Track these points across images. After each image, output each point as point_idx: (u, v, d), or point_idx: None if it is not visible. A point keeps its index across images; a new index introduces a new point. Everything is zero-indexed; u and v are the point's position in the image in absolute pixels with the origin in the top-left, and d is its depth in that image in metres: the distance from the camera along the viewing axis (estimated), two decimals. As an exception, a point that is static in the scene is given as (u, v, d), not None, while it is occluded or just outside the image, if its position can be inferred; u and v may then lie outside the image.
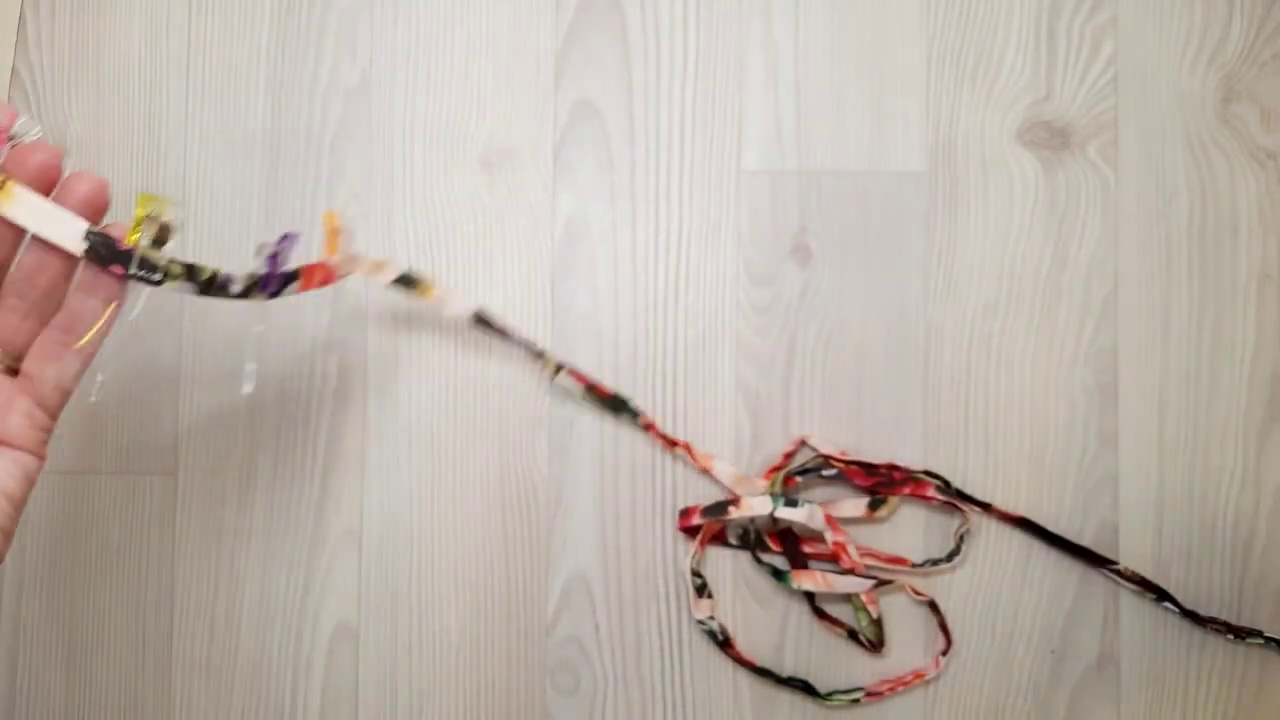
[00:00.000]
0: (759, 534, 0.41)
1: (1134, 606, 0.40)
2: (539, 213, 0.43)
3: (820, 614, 0.40)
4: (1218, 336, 0.41)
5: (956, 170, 0.42)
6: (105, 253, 0.26)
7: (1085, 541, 0.40)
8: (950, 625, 0.40)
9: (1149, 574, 0.40)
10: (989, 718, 0.40)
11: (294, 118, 0.43)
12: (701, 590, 0.41)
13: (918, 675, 0.40)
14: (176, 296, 0.44)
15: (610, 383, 0.42)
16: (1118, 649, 0.40)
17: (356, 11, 0.43)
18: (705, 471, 0.41)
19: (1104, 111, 0.42)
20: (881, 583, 0.40)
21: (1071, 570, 0.40)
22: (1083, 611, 0.40)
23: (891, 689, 0.40)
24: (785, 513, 0.39)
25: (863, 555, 0.40)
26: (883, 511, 0.40)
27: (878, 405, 0.41)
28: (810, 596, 0.40)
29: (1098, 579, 0.40)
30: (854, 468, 0.40)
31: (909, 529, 0.41)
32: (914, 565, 0.40)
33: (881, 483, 0.40)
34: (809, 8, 0.43)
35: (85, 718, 0.42)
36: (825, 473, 0.41)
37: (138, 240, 0.27)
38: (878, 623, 0.40)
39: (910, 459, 0.41)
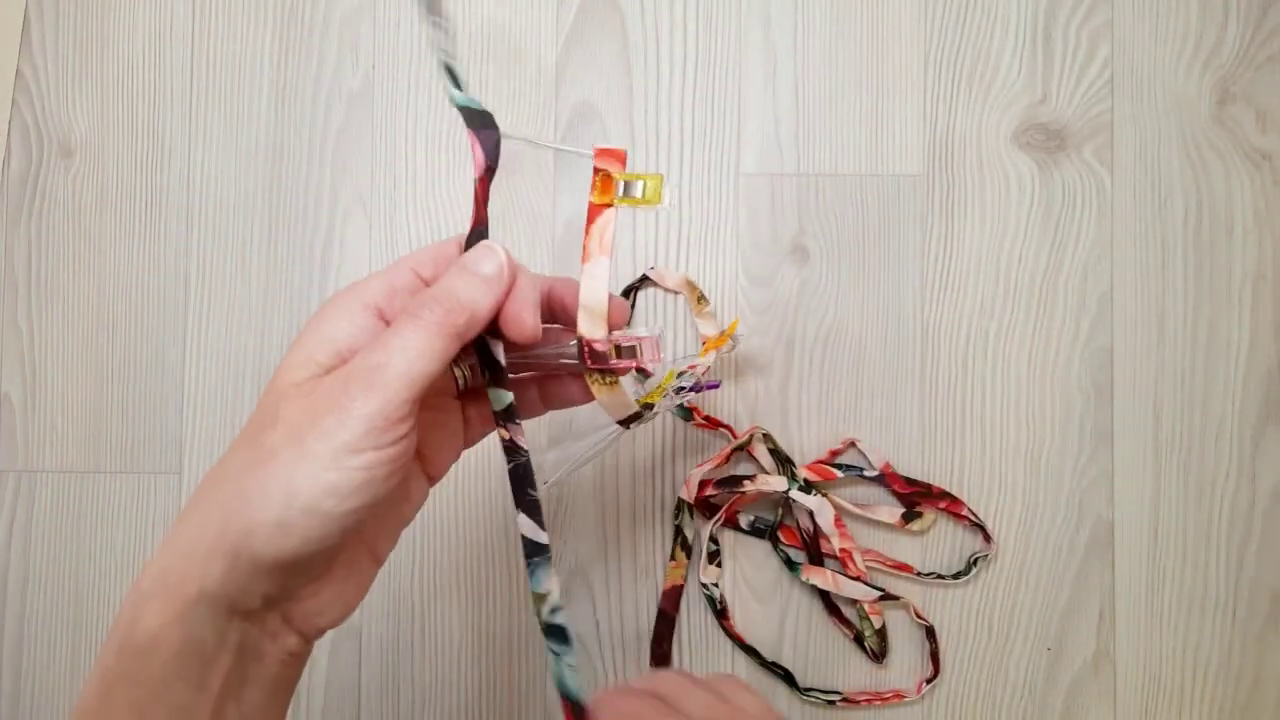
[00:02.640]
0: (773, 526, 0.41)
1: (1130, 604, 0.41)
2: (539, 214, 0.43)
3: (833, 610, 0.41)
4: (1213, 336, 0.41)
5: (953, 172, 0.42)
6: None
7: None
8: (943, 655, 0.40)
9: (1144, 572, 0.40)
10: (986, 715, 0.41)
11: (297, 120, 0.44)
12: (714, 557, 0.41)
13: (897, 695, 0.40)
14: (177, 290, 0.44)
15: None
16: (1114, 647, 0.40)
17: (359, 15, 0.44)
18: (748, 452, 0.41)
19: (1100, 114, 0.42)
20: (886, 597, 0.40)
21: (1068, 568, 0.41)
22: (1079, 609, 0.41)
23: (869, 701, 0.40)
24: (798, 496, 0.39)
25: (869, 558, 0.41)
26: (915, 525, 0.41)
27: (875, 404, 0.42)
28: (825, 593, 0.41)
29: (1094, 577, 0.41)
30: (896, 475, 0.40)
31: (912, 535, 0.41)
32: (918, 574, 0.41)
33: (920, 493, 0.41)
34: (808, 12, 0.43)
35: (90, 715, 0.42)
36: (867, 473, 0.41)
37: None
38: (881, 632, 0.40)
39: (908, 458, 0.41)
